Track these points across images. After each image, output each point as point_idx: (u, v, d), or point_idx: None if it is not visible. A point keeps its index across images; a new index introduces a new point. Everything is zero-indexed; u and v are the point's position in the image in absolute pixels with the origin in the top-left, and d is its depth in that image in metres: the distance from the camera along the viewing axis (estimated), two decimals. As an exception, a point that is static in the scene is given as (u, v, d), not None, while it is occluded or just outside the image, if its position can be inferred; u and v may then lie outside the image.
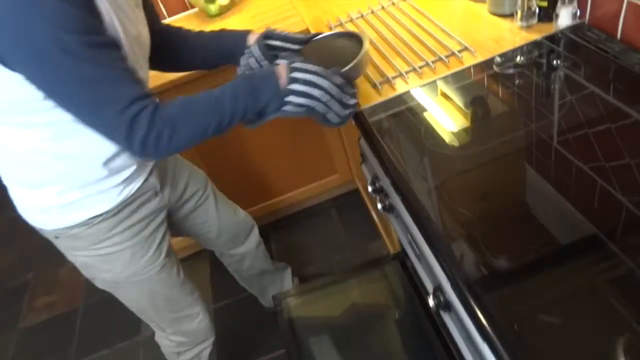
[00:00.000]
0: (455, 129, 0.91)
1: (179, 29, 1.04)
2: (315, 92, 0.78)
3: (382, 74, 1.08)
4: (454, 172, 0.84)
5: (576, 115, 0.82)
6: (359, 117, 0.98)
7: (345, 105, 0.83)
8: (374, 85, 1.05)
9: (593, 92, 0.86)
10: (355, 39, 0.95)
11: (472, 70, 1.00)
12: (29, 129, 0.78)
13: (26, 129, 0.78)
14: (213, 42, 1.02)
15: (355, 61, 0.86)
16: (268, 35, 0.96)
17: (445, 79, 1.00)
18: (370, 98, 1.02)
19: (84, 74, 0.69)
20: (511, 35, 1.07)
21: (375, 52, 1.16)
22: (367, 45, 0.90)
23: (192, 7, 1.75)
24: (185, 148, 0.78)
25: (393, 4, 1.35)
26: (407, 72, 1.05)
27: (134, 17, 0.81)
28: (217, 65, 1.06)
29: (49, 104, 0.73)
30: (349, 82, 0.83)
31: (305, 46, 0.99)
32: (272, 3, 1.64)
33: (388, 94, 1.01)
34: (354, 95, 0.84)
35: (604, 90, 0.85)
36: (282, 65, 0.80)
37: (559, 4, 1.00)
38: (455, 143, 0.88)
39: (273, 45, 0.96)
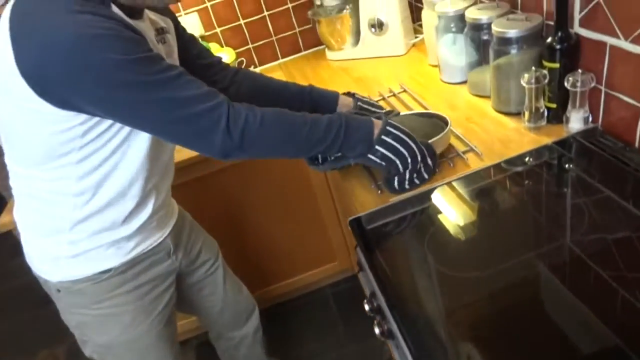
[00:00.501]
0: (462, 242, 0.82)
1: (254, 73, 1.06)
2: (403, 150, 0.87)
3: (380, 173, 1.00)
4: (464, 299, 0.74)
5: (595, 226, 0.73)
6: (356, 224, 0.90)
7: (419, 175, 0.91)
8: (373, 187, 0.98)
9: (613, 205, 0.77)
10: (436, 119, 1.04)
11: (480, 175, 0.93)
12: (58, 176, 0.77)
13: (55, 175, 0.77)
14: (306, 97, 1.05)
15: (441, 135, 0.96)
16: (358, 98, 1.05)
17: (450, 184, 0.92)
18: (368, 202, 0.94)
19: (169, 97, 0.69)
20: (518, 136, 1.00)
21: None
22: (450, 124, 0.99)
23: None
24: (268, 150, 0.82)
25: (394, 94, 1.31)
26: (408, 174, 0.98)
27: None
28: None
29: (86, 151, 0.75)
30: (432, 154, 0.91)
31: (391, 116, 1.06)
32: (272, 88, 1.61)
33: (389, 198, 0.93)
34: (431, 170, 0.93)
35: (625, 201, 0.77)
36: (377, 120, 0.88)
37: (569, 107, 0.94)
38: (464, 260, 0.79)
39: (363, 107, 1.04)
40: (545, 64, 0.95)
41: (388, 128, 0.86)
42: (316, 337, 1.73)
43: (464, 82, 1.26)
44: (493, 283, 0.73)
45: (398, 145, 0.86)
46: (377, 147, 0.85)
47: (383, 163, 0.87)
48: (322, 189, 1.53)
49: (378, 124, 0.86)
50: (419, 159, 0.89)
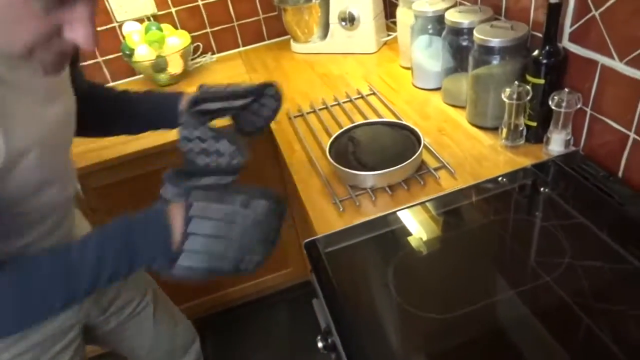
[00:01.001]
0: (430, 274, 0.73)
1: (99, 86, 0.85)
2: (220, 248, 0.54)
3: (344, 189, 0.90)
4: (430, 341, 0.65)
5: (573, 264, 0.66)
6: (311, 247, 0.80)
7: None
8: (334, 203, 0.87)
9: (594, 239, 0.71)
10: (407, 132, 0.95)
11: (453, 197, 0.84)
12: None
13: None
14: (140, 105, 0.84)
15: (414, 157, 0.87)
16: (199, 99, 0.72)
17: (423, 205, 0.83)
18: (328, 222, 0.83)
19: None
20: (494, 154, 0.92)
21: (338, 157, 0.99)
22: (423, 143, 0.90)
23: (140, 72, 1.56)
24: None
25: (362, 97, 1.21)
26: (374, 190, 0.88)
27: (42, 113, 0.60)
28: (144, 131, 0.86)
29: None
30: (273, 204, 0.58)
31: (359, 129, 0.98)
32: (231, 79, 1.47)
33: (353, 219, 0.83)
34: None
35: (609, 237, 0.70)
36: (176, 208, 0.55)
37: (550, 127, 0.87)
38: (431, 296, 0.70)
39: (209, 110, 0.72)
40: (529, 78, 0.86)
41: (190, 228, 0.53)
42: (265, 347, 1.62)
43: (438, 89, 1.17)
44: (464, 325, 0.64)
45: (211, 247, 0.54)
46: (182, 260, 0.53)
47: (204, 265, 0.54)
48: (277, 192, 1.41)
49: (178, 219, 0.54)
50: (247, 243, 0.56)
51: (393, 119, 1.03)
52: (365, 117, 1.11)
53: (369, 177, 0.87)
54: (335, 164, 0.89)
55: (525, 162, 0.88)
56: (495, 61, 0.92)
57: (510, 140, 0.92)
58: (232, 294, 1.62)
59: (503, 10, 1.00)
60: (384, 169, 0.86)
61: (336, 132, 0.98)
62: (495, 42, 0.89)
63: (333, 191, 0.90)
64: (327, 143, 0.95)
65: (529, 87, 0.86)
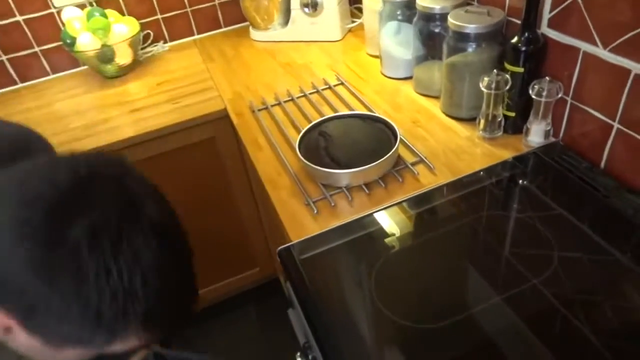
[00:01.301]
0: (411, 278, 0.68)
1: None
2: None
3: (317, 189, 0.84)
4: (419, 352, 0.60)
5: (562, 282, 0.63)
6: (285, 254, 0.73)
7: None
8: (307, 204, 0.81)
9: (582, 237, 0.68)
10: (381, 124, 0.89)
11: (432, 195, 0.79)
12: None
13: None
14: None
15: (390, 153, 0.81)
16: None
17: (400, 204, 0.78)
18: (302, 226, 0.77)
19: None
20: (472, 146, 0.88)
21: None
22: (399, 137, 0.85)
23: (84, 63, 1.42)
24: None
25: (329, 87, 1.14)
26: (349, 189, 0.82)
27: None
28: None
29: None
30: None
31: (330, 122, 0.91)
32: (187, 70, 1.37)
33: (328, 222, 0.76)
34: None
35: (596, 233, 0.68)
36: None
37: (530, 117, 0.83)
38: (415, 303, 0.65)
39: None
40: (508, 67, 0.82)
41: None
42: (230, 351, 1.55)
43: (409, 78, 1.12)
44: (451, 334, 0.60)
45: None
46: None
47: None
48: (242, 190, 1.33)
49: None
50: None
51: (365, 111, 0.97)
52: (334, 110, 1.04)
53: (343, 176, 0.80)
54: (306, 161, 0.82)
55: (505, 154, 0.85)
56: (471, 49, 0.87)
57: (488, 131, 0.88)
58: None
59: (476, -6, 0.96)
60: (360, 166, 0.80)
61: (305, 127, 0.91)
62: (470, 28, 0.85)
63: (305, 191, 0.83)
64: (296, 139, 0.88)
65: (507, 77, 0.82)
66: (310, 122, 0.98)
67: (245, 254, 1.49)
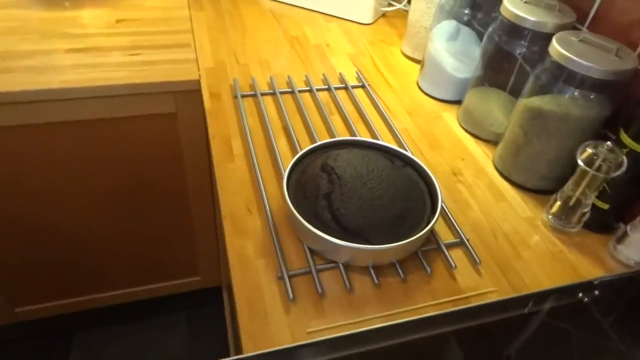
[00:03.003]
0: None
1: None
2: None
3: (299, 252, 0.54)
4: None
5: None
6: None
7: None
8: (280, 278, 0.51)
9: None
10: (411, 171, 0.61)
11: (476, 314, 0.51)
12: None
13: None
14: None
15: (423, 233, 0.51)
16: None
17: (427, 319, 0.49)
18: (264, 321, 0.47)
19: None
20: (534, 235, 0.60)
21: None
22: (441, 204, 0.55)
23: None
24: None
25: (346, 87, 0.83)
26: (348, 267, 0.53)
27: None
28: None
29: None
30: None
31: (342, 152, 0.59)
32: (163, 11, 1.02)
33: (308, 322, 0.48)
34: None
35: None
36: None
37: (637, 221, 0.56)
38: None
39: None
40: (626, 140, 0.54)
41: None
42: (156, 353, 1.27)
43: (455, 103, 0.82)
44: None
45: None
46: None
47: None
48: (199, 190, 1.02)
49: None
50: None
51: (393, 145, 0.68)
52: (349, 128, 0.74)
53: (346, 250, 0.51)
54: (294, 211, 0.52)
55: (583, 264, 0.57)
56: (573, 96, 0.58)
57: (561, 221, 0.61)
58: (111, 298, 1.23)
59: (590, 17, 0.66)
60: (374, 239, 0.51)
61: (304, 148, 0.60)
62: (586, 67, 0.55)
63: (282, 254, 0.53)
64: (286, 156, 0.58)
65: (624, 157, 0.53)
66: (313, 139, 0.68)
67: (188, 258, 1.19)
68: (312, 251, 0.54)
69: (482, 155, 0.72)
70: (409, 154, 0.62)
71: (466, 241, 0.57)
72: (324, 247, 0.53)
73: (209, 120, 0.73)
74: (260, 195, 0.60)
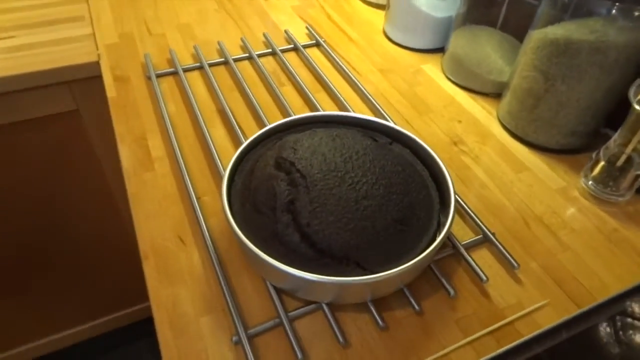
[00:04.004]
0: None
1: None
2: None
3: (263, 293, 0.37)
4: None
5: None
6: None
7: None
8: (237, 342, 0.34)
9: None
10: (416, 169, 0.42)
11: (530, 347, 0.35)
12: None
13: None
14: None
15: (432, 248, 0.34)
16: None
17: (453, 367, 0.33)
18: None
19: None
20: (576, 212, 0.45)
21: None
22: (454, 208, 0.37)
23: None
24: None
25: (296, 48, 0.65)
26: (334, 307, 0.36)
27: None
28: None
29: None
30: None
31: (303, 137, 0.41)
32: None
33: None
34: None
35: None
36: None
37: None
38: None
39: None
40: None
41: None
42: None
43: (436, 51, 0.65)
44: None
45: None
46: None
47: None
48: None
49: None
50: None
51: (371, 117, 0.50)
52: (307, 100, 0.56)
53: (330, 287, 0.34)
54: (244, 240, 0.34)
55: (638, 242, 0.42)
56: (609, 16, 0.42)
57: (605, 187, 0.45)
58: (69, 337, 1.03)
59: None
60: (370, 260, 0.34)
61: (250, 136, 0.42)
62: (627, -29, 0.39)
63: (235, 304, 0.35)
64: (226, 151, 0.40)
65: (699, 89, 0.38)
66: (260, 122, 0.50)
67: (137, 283, 1.00)
68: (280, 291, 0.37)
69: (484, 114, 0.56)
70: (393, 125, 0.45)
71: (492, 237, 0.41)
72: (295, 285, 0.35)
73: (113, 114, 0.53)
74: (196, 215, 0.42)
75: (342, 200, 0.36)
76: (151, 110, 0.53)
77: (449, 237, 0.41)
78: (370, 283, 0.33)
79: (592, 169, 0.46)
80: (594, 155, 0.46)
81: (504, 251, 0.40)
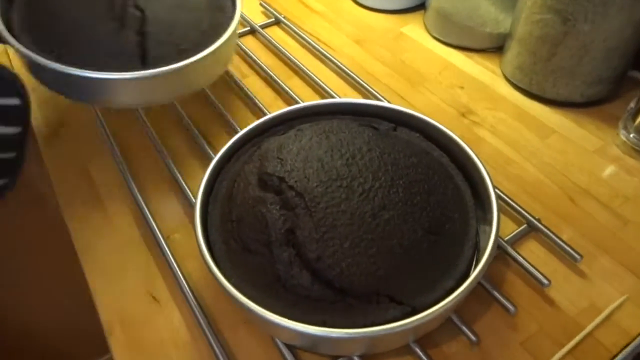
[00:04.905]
0: None
1: None
2: None
3: (261, 342, 0.28)
4: None
5: None
6: None
7: None
8: None
9: None
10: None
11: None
12: None
13: None
14: None
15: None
16: None
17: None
18: None
19: None
20: (623, 171, 0.37)
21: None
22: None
23: None
24: None
25: (252, 30, 0.55)
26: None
27: None
28: None
29: None
30: None
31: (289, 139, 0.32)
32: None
33: None
34: None
35: None
36: None
37: None
38: None
39: None
40: None
41: None
42: None
43: (415, 10, 0.56)
44: None
45: None
46: None
47: None
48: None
49: None
50: None
51: (360, 99, 0.41)
52: (279, 92, 0.46)
53: (360, 339, 0.25)
54: (236, 294, 0.25)
55: None
56: None
57: (655, 138, 0.38)
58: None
59: None
60: (406, 292, 0.26)
61: (221, 149, 0.33)
62: None
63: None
64: (194, 180, 0.31)
65: None
66: (228, 128, 0.41)
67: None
68: (293, 348, 0.28)
69: (487, 74, 0.47)
70: (391, 105, 0.36)
71: (538, 224, 0.33)
72: (313, 342, 0.26)
73: (41, 143, 0.42)
74: (167, 262, 0.33)
75: (355, 217, 0.27)
76: (90, 130, 0.43)
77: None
78: (412, 325, 0.24)
79: (633, 118, 0.38)
80: (632, 103, 0.38)
81: (558, 241, 0.32)
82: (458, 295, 0.25)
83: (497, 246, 0.32)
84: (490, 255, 0.26)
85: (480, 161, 0.31)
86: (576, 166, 0.38)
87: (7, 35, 0.35)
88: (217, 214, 0.30)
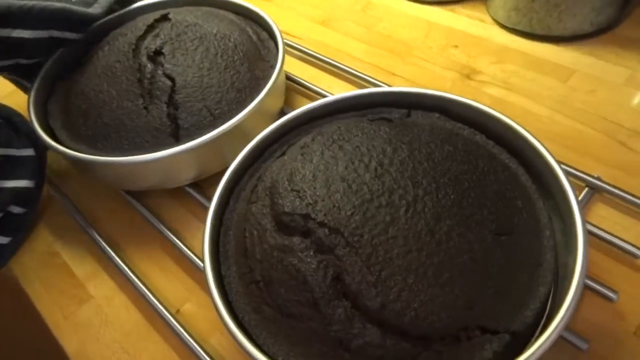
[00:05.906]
0: None
1: None
2: None
3: None
4: None
5: None
6: None
7: None
8: None
9: None
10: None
11: None
12: None
13: None
14: None
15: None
16: None
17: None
18: None
19: None
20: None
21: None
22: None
23: None
24: None
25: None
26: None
27: None
28: None
29: None
30: None
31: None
32: None
33: None
34: None
35: None
36: None
37: None
38: None
39: None
40: None
41: None
42: None
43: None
44: None
45: None
46: None
47: None
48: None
49: None
50: None
51: (356, 91, 0.35)
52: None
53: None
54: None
55: None
56: None
57: (689, 52, 0.33)
58: None
59: None
60: (498, 320, 0.21)
61: (215, 190, 0.26)
62: None
63: None
64: (191, 237, 0.26)
65: None
66: (220, 155, 0.34)
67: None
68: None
69: (477, 25, 0.42)
70: (395, 89, 0.30)
71: (601, 184, 0.28)
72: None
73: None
74: (184, 343, 0.26)
75: (410, 241, 0.22)
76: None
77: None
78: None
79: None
80: (656, 19, 0.34)
81: (630, 197, 0.27)
82: (570, 303, 0.20)
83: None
84: (586, 243, 0.21)
85: (525, 129, 0.26)
86: (612, 104, 0.33)
87: (45, 137, 0.31)
88: (234, 275, 0.24)
